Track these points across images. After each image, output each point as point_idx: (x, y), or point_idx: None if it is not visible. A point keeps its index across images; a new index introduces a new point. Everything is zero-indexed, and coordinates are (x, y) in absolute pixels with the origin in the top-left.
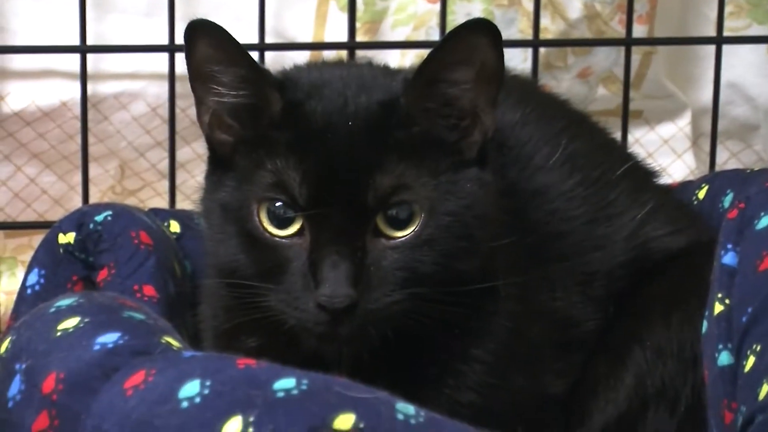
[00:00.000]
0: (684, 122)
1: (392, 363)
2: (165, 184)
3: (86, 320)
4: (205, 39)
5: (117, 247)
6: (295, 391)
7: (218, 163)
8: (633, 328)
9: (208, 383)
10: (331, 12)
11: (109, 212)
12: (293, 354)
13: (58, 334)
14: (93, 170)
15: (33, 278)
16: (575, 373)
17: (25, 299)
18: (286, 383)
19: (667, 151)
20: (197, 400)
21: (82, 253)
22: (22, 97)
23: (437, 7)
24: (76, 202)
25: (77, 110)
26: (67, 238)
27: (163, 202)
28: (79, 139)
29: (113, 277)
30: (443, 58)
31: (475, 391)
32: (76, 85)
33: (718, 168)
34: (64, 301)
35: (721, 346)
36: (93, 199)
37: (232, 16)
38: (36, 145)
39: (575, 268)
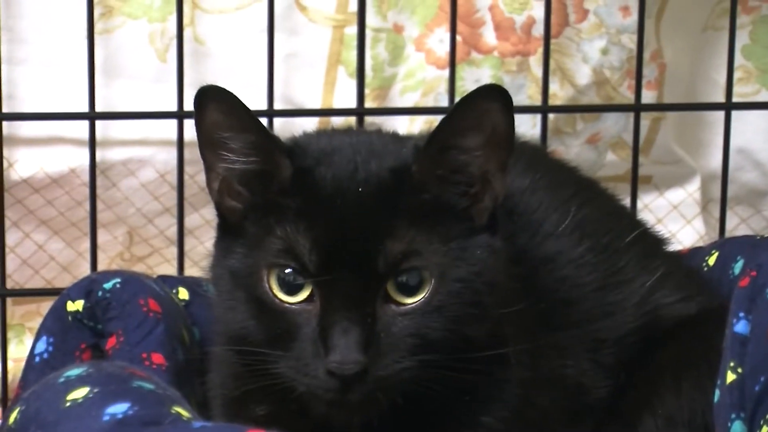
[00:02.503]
0: (693, 188)
1: (402, 430)
2: (173, 251)
3: (95, 390)
4: (215, 105)
5: (126, 315)
6: None
7: (227, 229)
8: (643, 395)
9: None
10: (339, 78)
11: (118, 279)
12: (302, 422)
13: (68, 404)
14: (101, 237)
15: (41, 346)
16: None
17: (33, 367)
18: None
19: (677, 217)
20: None
21: (91, 320)
22: (30, 164)
23: (446, 73)
24: (85, 269)
25: (85, 177)
26: (76, 305)
27: (171, 269)
28: (87, 205)
29: (122, 345)
30: (454, 124)
31: None
32: (85, 152)
33: (727, 234)
34: (73, 371)
35: (734, 416)
36: (101, 265)
37: (241, 82)
38: (44, 211)
39: (585, 335)
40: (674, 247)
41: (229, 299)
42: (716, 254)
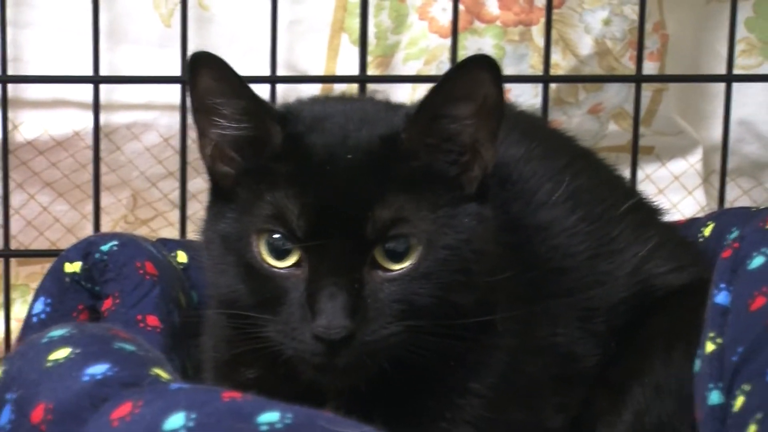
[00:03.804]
0: (695, 159)
1: (390, 396)
2: (177, 214)
3: (77, 351)
4: (207, 71)
5: (122, 277)
6: (279, 425)
7: (220, 194)
8: (633, 364)
9: (193, 416)
10: (343, 45)
11: (116, 242)
12: (291, 386)
13: (49, 364)
14: (105, 199)
15: (39, 306)
16: (575, 408)
17: (31, 327)
18: (270, 417)
19: (678, 188)
20: None
21: (89, 282)
22: (35, 126)
23: (449, 41)
24: (88, 231)
25: (90, 140)
26: (74, 267)
27: (174, 232)
28: (91, 168)
29: (117, 307)
30: (445, 93)
31: (473, 425)
32: (89, 115)
33: (728, 205)
34: (57, 332)
35: (711, 385)
36: (105, 228)
37: (245, 48)
38: (48, 174)
39: (577, 304)
40: (674, 217)
41: (219, 263)
42: (712, 225)
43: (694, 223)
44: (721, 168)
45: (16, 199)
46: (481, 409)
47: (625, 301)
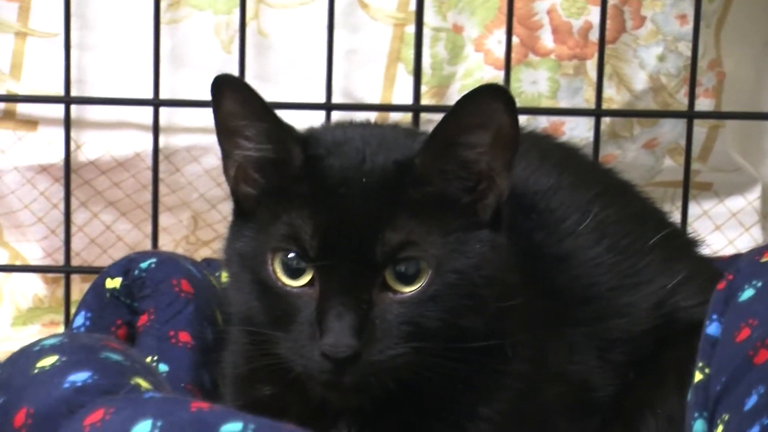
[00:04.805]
0: (754, 196)
1: (399, 418)
2: None
3: (63, 359)
4: (230, 94)
5: (158, 294)
6: None
7: (242, 214)
8: (647, 395)
9: (159, 423)
10: (399, 75)
11: (154, 259)
12: (304, 404)
13: (36, 371)
14: (167, 220)
15: (80, 320)
16: None
17: None
18: (233, 427)
19: (735, 225)
20: None
21: (128, 298)
22: (97, 146)
23: (503, 73)
24: None
25: (150, 161)
26: (114, 282)
27: None
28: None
29: (152, 323)
30: (458, 121)
31: None
32: (150, 137)
33: None
34: (50, 341)
35: (696, 414)
36: (167, 248)
37: (303, 75)
38: (111, 193)
39: (596, 334)
40: (729, 253)
41: (237, 281)
42: None
43: (736, 259)
44: None
45: (79, 218)
46: None
47: (647, 332)
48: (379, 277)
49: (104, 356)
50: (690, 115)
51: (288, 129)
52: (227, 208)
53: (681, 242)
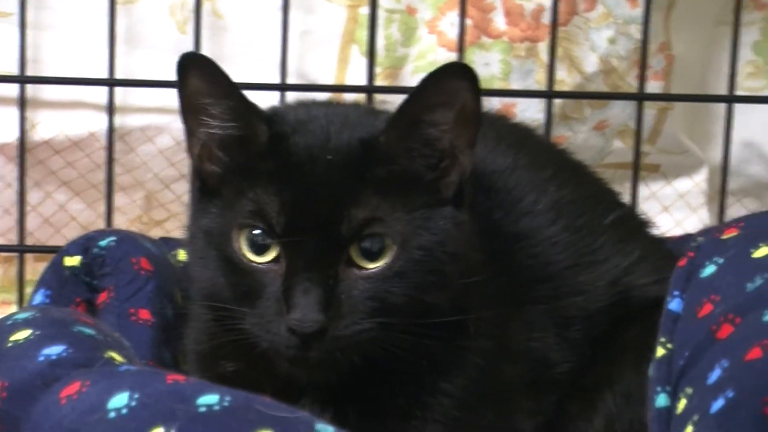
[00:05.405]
0: (700, 178)
1: (363, 393)
2: None
3: (37, 333)
4: (196, 72)
5: (118, 272)
6: (217, 407)
7: (206, 192)
8: (605, 372)
9: (136, 396)
10: (353, 56)
11: (113, 238)
12: (269, 380)
13: (9, 345)
14: (120, 200)
15: (39, 298)
16: (547, 413)
17: None
18: (209, 399)
19: (683, 206)
20: (124, 411)
21: (87, 276)
22: (52, 126)
23: (456, 55)
24: None
25: (105, 141)
26: (73, 261)
27: None
28: (106, 168)
29: (111, 300)
30: (423, 100)
31: (443, 423)
32: (104, 117)
33: None
34: (22, 315)
35: (659, 389)
36: (120, 227)
37: (258, 56)
38: (65, 173)
39: (554, 311)
40: (677, 234)
41: (201, 257)
42: None
43: (687, 239)
44: (721, 187)
45: (33, 197)
46: (452, 408)
47: (603, 310)
48: (344, 254)
49: (77, 330)
50: (640, 97)
51: (254, 107)
52: (181, 187)
53: (634, 223)
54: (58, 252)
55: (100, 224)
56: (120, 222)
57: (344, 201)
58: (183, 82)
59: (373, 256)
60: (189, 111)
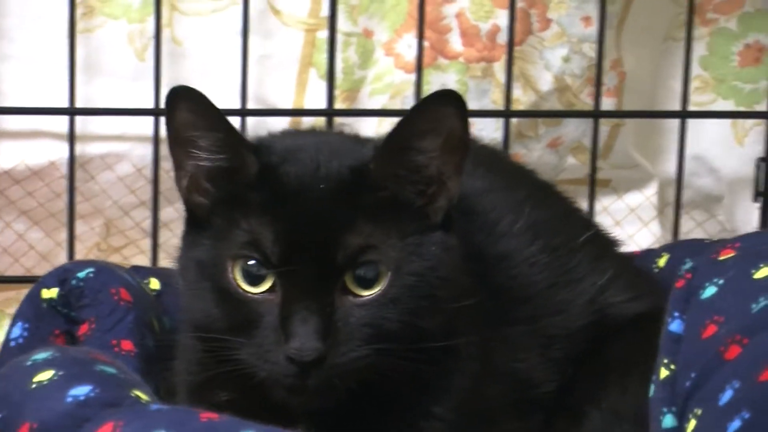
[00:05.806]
0: (651, 192)
1: (357, 418)
2: (148, 242)
3: (60, 373)
4: (185, 105)
5: (98, 303)
6: None
7: (195, 223)
8: (590, 390)
9: None
10: (311, 80)
11: (92, 269)
12: (263, 408)
13: (33, 386)
14: (79, 228)
15: (17, 331)
16: None
17: (9, 351)
18: None
19: (634, 220)
20: None
21: (65, 308)
22: (12, 156)
23: (413, 77)
24: (62, 258)
25: (65, 169)
26: (51, 293)
27: (146, 260)
28: (66, 197)
29: (93, 332)
30: (411, 126)
31: None
32: (65, 146)
33: (682, 237)
34: (40, 355)
35: (665, 410)
36: (79, 255)
37: (216, 82)
38: (24, 202)
39: (537, 331)
40: (630, 248)
41: (194, 289)
42: (666, 256)
43: (649, 254)
44: (675, 201)
45: None
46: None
47: (583, 329)
48: (339, 281)
49: (100, 369)
50: (596, 115)
51: (241, 138)
52: (140, 214)
53: (604, 241)
54: (36, 284)
55: (59, 253)
56: (79, 250)
57: (338, 229)
58: (171, 114)
59: (368, 284)
60: (177, 144)
